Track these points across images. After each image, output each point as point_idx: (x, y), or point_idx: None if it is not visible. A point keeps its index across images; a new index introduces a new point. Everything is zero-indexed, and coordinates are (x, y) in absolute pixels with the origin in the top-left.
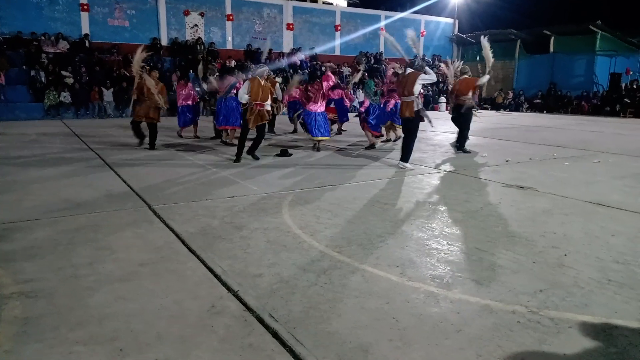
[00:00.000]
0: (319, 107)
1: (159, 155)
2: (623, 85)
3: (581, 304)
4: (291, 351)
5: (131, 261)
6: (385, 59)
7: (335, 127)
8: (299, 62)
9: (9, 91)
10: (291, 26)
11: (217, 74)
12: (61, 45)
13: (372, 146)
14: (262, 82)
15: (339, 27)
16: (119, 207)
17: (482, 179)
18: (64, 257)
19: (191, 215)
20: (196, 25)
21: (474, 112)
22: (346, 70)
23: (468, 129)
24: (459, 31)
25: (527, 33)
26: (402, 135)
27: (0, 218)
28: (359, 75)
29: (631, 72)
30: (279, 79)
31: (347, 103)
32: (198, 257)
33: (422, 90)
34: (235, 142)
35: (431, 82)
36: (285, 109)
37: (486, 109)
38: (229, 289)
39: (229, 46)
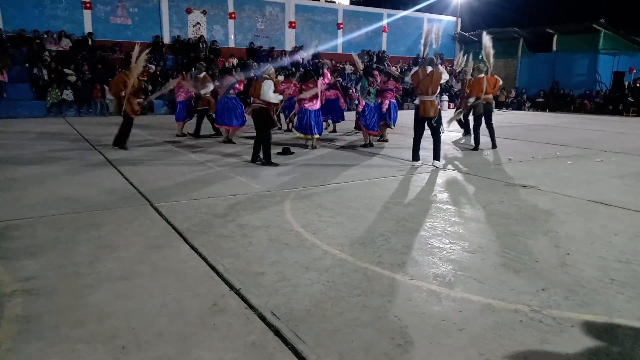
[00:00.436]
0: (314, 104)
1: (160, 153)
2: (626, 84)
3: (583, 303)
4: (293, 349)
5: (132, 259)
6: (388, 56)
7: (330, 125)
8: (301, 60)
9: (11, 89)
10: (293, 24)
11: (204, 72)
12: (64, 43)
13: (370, 144)
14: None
15: (341, 26)
16: (120, 205)
17: (484, 178)
18: (64, 255)
19: (193, 212)
20: (198, 23)
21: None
22: (348, 68)
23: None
24: (461, 29)
25: (529, 32)
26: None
27: (2, 216)
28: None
29: (634, 71)
30: (281, 77)
31: (343, 105)
32: (200, 254)
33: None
34: (234, 139)
35: (446, 81)
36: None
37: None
38: (230, 286)
39: (231, 44)
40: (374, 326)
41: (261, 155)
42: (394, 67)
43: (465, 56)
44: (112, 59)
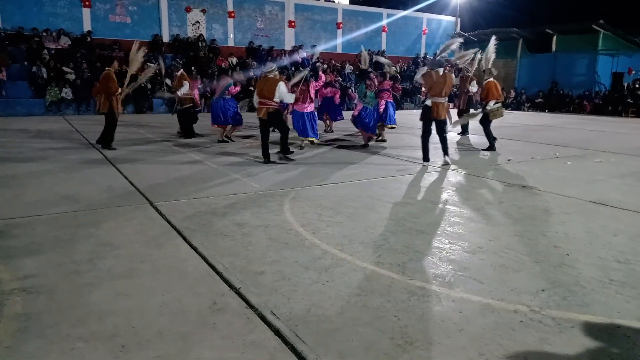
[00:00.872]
0: (307, 107)
1: (159, 151)
2: (625, 84)
3: (583, 303)
4: (293, 349)
5: (132, 258)
6: (387, 56)
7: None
8: (300, 60)
9: (10, 87)
10: (293, 23)
11: (181, 70)
12: (63, 41)
13: (365, 145)
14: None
15: (341, 25)
16: (120, 203)
17: (483, 178)
18: (64, 253)
19: (192, 211)
20: (198, 22)
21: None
22: (348, 68)
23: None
24: (460, 29)
25: (529, 32)
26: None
27: (1, 214)
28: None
29: (633, 72)
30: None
31: (337, 100)
32: (199, 254)
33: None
34: (232, 138)
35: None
36: None
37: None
38: (230, 286)
39: (231, 43)
40: (373, 326)
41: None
42: (393, 67)
43: (476, 50)
44: (111, 57)
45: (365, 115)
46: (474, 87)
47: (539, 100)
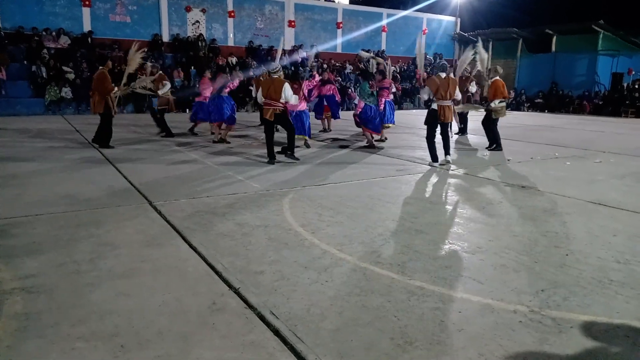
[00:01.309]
0: (300, 105)
1: (159, 151)
2: (625, 85)
3: (583, 303)
4: (292, 349)
5: (132, 257)
6: (387, 56)
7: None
8: (300, 60)
9: (10, 86)
10: (293, 23)
11: (160, 71)
12: (62, 40)
13: (371, 145)
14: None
15: (341, 25)
16: (120, 203)
17: (483, 178)
18: (64, 253)
19: (192, 211)
20: (198, 21)
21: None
22: (348, 67)
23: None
24: (461, 29)
25: (529, 32)
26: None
27: (1, 213)
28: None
29: (633, 72)
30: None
31: (338, 98)
32: (199, 253)
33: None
34: (227, 139)
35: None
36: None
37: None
38: (230, 286)
39: (231, 43)
40: (373, 326)
41: (275, 156)
42: (393, 67)
43: (473, 51)
44: (111, 57)
45: (372, 114)
46: (473, 88)
47: (539, 100)
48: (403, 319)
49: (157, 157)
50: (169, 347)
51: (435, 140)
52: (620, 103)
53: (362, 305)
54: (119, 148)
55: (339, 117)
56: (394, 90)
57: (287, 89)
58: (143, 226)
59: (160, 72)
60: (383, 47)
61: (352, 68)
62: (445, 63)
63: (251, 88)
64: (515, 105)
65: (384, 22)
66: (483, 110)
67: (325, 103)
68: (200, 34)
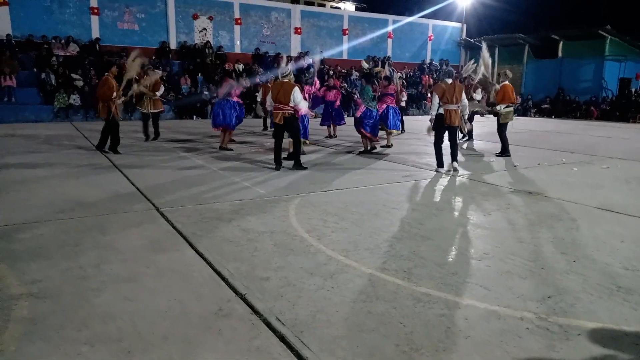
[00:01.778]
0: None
1: (165, 156)
2: (633, 90)
3: (590, 310)
4: (298, 355)
5: (137, 262)
6: (392, 62)
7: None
8: (306, 66)
9: (19, 93)
10: (299, 30)
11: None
12: (71, 48)
13: (366, 151)
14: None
15: (347, 31)
16: (126, 208)
17: (490, 184)
18: (70, 258)
19: (198, 217)
20: (205, 29)
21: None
22: (354, 74)
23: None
24: (466, 35)
25: (535, 37)
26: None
27: (8, 218)
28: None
29: None
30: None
31: (337, 104)
32: (205, 259)
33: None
34: (229, 147)
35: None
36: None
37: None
38: (235, 291)
39: (237, 50)
40: (378, 332)
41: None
42: (399, 73)
43: (472, 61)
44: (119, 64)
45: (368, 118)
46: (478, 95)
47: (546, 106)
48: (409, 326)
49: (162, 163)
50: (173, 352)
51: (443, 146)
52: (628, 108)
53: (368, 311)
54: (126, 154)
55: (341, 124)
56: (404, 98)
57: (296, 92)
58: (149, 231)
59: (158, 77)
60: (389, 53)
61: (357, 74)
62: (451, 69)
63: (257, 94)
64: (522, 111)
65: (390, 28)
66: (487, 113)
67: (330, 109)
68: (207, 41)
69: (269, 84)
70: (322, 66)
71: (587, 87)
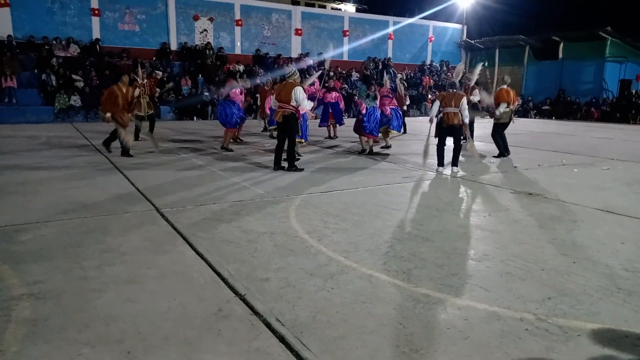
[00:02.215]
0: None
1: (167, 158)
2: (633, 91)
3: (590, 312)
4: (298, 356)
5: (138, 263)
6: (393, 64)
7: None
8: (306, 67)
9: (20, 94)
10: (299, 31)
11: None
12: (72, 49)
13: (364, 151)
14: None
15: (347, 33)
16: (127, 209)
17: (490, 185)
18: (72, 259)
19: (199, 218)
20: (205, 30)
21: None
22: (355, 75)
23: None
24: (467, 37)
25: (535, 39)
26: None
27: (10, 219)
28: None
29: None
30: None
31: (343, 106)
32: (205, 260)
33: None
34: (229, 147)
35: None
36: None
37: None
38: (235, 292)
39: (238, 51)
40: (378, 333)
41: (284, 163)
42: (399, 75)
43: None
44: (120, 65)
45: (369, 117)
46: (475, 97)
47: (546, 107)
48: (409, 327)
49: (163, 164)
50: (174, 353)
51: (445, 147)
52: (628, 110)
53: (368, 312)
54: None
55: (343, 124)
56: (407, 102)
57: (297, 91)
58: (149, 233)
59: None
60: (389, 54)
61: (358, 76)
62: (455, 82)
63: (257, 96)
64: (522, 112)
65: (390, 29)
66: (488, 116)
67: (330, 110)
68: (208, 43)
69: (265, 87)
70: (323, 67)
71: (587, 88)
